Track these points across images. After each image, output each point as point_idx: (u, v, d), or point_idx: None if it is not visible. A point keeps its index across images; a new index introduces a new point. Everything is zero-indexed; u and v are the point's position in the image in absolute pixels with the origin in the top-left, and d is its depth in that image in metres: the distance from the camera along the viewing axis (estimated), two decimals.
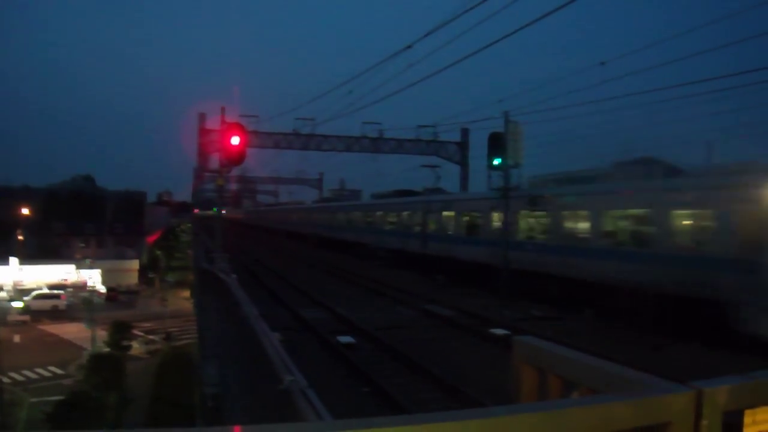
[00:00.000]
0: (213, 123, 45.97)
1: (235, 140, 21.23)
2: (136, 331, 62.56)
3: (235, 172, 58.49)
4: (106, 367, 45.09)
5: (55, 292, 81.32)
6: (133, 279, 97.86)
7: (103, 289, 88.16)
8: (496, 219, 30.35)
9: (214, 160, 37.64)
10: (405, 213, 42.45)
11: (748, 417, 2.38)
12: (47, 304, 76.52)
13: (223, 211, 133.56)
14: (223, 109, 25.39)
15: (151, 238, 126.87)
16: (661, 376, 2.58)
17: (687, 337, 18.33)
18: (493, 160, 27.22)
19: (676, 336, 18.50)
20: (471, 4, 16.42)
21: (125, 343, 56.45)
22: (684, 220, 21.06)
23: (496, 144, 27.12)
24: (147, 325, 68.88)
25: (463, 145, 55.98)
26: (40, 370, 51.82)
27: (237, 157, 21.88)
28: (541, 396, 3.05)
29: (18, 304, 73.34)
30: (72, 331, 65.12)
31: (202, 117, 51.35)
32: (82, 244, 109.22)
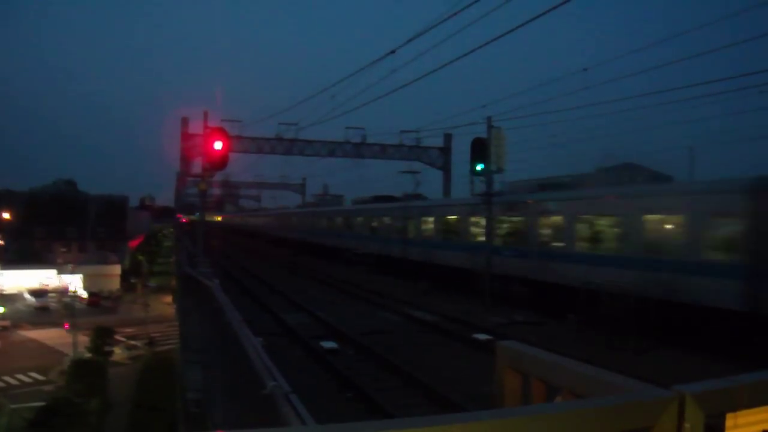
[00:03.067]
0: (196, 127, 45.87)
1: (218, 145, 21.18)
2: (118, 337, 62.27)
3: (218, 176, 58.38)
4: (87, 373, 44.88)
5: None
6: (115, 284, 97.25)
7: (84, 294, 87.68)
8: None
9: (197, 165, 37.56)
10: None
11: (730, 420, 2.40)
12: None
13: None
14: (205, 114, 25.35)
15: (134, 243, 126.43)
16: (643, 380, 2.59)
17: (670, 341, 18.46)
18: (476, 166, 27.26)
19: (658, 340, 18.60)
20: (454, 11, 16.48)
21: (107, 348, 56.20)
22: None
23: (479, 149, 27.16)
24: (129, 330, 68.52)
25: (445, 151, 56.04)
26: (20, 376, 51.46)
27: (220, 162, 21.82)
28: (525, 400, 3.06)
29: None
30: (53, 336, 64.68)
31: (184, 121, 51.12)
32: (64, 249, 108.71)
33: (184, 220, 79.62)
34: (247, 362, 6.05)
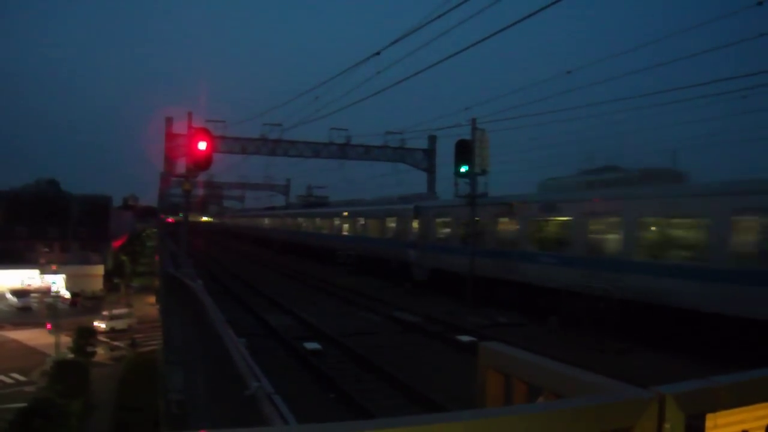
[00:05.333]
0: (180, 127, 45.74)
1: (202, 145, 21.12)
2: (100, 338, 61.94)
3: (201, 177, 58.15)
4: (70, 373, 44.58)
5: None
6: (98, 284, 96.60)
7: (67, 295, 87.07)
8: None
9: (181, 165, 37.39)
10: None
11: (710, 420, 2.41)
12: None
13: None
14: (189, 114, 25.28)
15: (117, 243, 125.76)
16: (624, 381, 2.60)
17: (650, 343, 18.54)
18: (460, 167, 27.31)
19: (639, 342, 18.69)
20: (439, 13, 16.50)
21: (90, 349, 55.86)
22: None
23: (463, 151, 27.20)
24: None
25: (430, 152, 56.05)
26: (2, 377, 51.09)
27: (204, 162, 21.75)
28: (507, 401, 3.07)
29: None
30: (35, 337, 64.25)
31: (168, 121, 50.86)
32: (46, 249, 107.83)
33: (169, 220, 79.03)
34: (230, 363, 6.04)
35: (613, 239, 21.96)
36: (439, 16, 16.70)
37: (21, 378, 51.20)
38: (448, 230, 33.06)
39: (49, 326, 61.87)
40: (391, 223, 40.82)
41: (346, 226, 51.05)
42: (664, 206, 20.01)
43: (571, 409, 2.22)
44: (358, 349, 18.50)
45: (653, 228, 20.82)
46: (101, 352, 58.80)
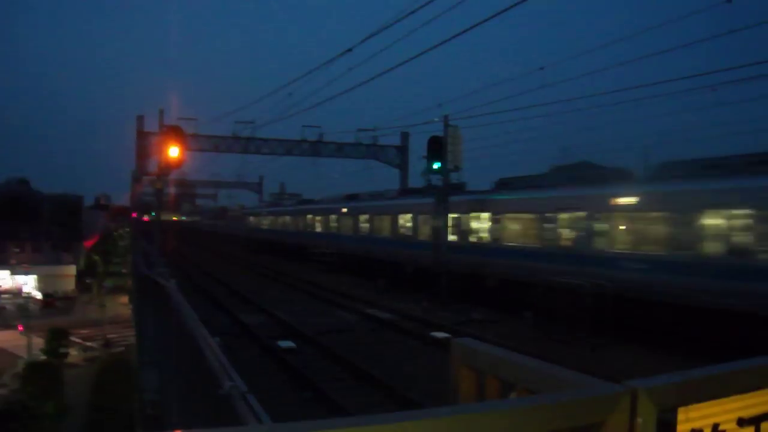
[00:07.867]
0: (152, 124, 45.49)
1: (174, 143, 21.04)
2: (73, 338, 61.43)
3: (173, 175, 57.97)
4: (42, 375, 44.24)
5: None
6: (70, 284, 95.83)
7: (39, 295, 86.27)
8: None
9: (154, 163, 37.20)
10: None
11: (682, 414, 2.43)
12: None
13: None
14: (161, 112, 25.23)
15: (89, 243, 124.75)
16: (597, 376, 2.62)
17: (625, 338, 18.68)
18: (432, 164, 27.36)
19: (614, 336, 18.81)
20: (411, 9, 16.52)
21: (63, 350, 55.39)
22: None
23: (436, 148, 27.26)
24: (85, 331, 67.61)
25: (402, 149, 56.07)
26: None
27: (175, 161, 21.68)
28: (480, 397, 3.07)
29: None
30: (6, 338, 63.60)
31: (140, 120, 50.59)
32: (17, 249, 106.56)
33: (144, 219, 78.47)
34: (204, 362, 6.02)
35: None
36: (411, 13, 16.72)
37: None
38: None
39: (20, 327, 61.33)
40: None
41: None
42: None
43: (543, 405, 2.23)
44: (333, 347, 18.52)
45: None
46: (74, 354, 58.34)
